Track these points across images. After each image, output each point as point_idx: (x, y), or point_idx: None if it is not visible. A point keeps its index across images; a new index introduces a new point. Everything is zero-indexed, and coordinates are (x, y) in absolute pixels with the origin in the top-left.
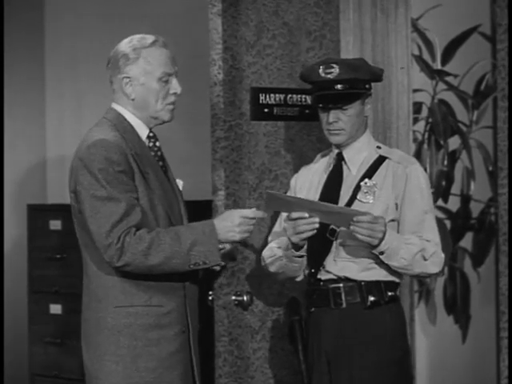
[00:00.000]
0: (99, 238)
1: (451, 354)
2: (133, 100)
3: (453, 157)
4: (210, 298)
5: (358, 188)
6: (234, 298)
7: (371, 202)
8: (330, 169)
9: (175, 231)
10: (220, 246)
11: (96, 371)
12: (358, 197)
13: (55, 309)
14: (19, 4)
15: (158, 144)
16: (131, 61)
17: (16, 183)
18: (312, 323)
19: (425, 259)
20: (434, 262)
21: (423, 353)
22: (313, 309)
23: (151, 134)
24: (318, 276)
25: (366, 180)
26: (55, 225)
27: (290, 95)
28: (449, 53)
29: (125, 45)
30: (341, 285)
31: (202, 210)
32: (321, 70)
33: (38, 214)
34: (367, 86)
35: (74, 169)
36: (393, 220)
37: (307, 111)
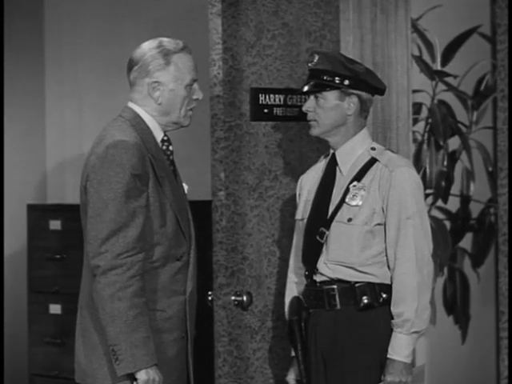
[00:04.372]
0: (94, 242)
1: (451, 354)
2: (159, 104)
3: (452, 157)
4: (210, 298)
5: (347, 191)
6: (233, 298)
7: (359, 204)
8: (324, 170)
9: (146, 327)
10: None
11: (93, 370)
12: (346, 200)
13: (55, 309)
14: (19, 4)
15: (171, 148)
16: (162, 66)
17: (16, 183)
18: (310, 324)
19: (411, 330)
20: (420, 317)
21: (423, 353)
22: (311, 310)
23: (165, 138)
24: (314, 278)
25: (355, 183)
26: (55, 225)
27: (289, 96)
28: (449, 53)
29: (154, 49)
30: (335, 286)
31: (201, 211)
32: (309, 60)
33: (38, 214)
34: (346, 83)
35: (89, 166)
36: (379, 224)
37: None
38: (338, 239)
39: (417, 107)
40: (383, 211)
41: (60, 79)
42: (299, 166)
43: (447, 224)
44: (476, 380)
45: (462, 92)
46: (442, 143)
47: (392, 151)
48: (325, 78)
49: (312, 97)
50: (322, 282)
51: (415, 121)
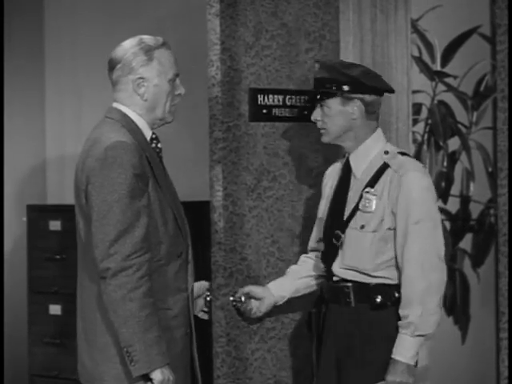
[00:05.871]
0: (101, 245)
1: (451, 354)
2: (145, 101)
3: (452, 158)
4: (208, 298)
5: (360, 197)
6: (231, 298)
7: (372, 211)
8: (340, 172)
9: (157, 326)
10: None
11: (101, 373)
12: (360, 206)
13: (55, 309)
14: (19, 3)
15: (159, 146)
16: (145, 62)
17: (16, 183)
18: (327, 318)
19: (415, 333)
20: (425, 322)
21: (423, 353)
22: (329, 304)
23: (154, 136)
24: (331, 275)
25: (368, 189)
26: (55, 225)
27: (288, 96)
28: (448, 54)
29: (135, 46)
30: (349, 284)
31: (199, 211)
32: (314, 70)
33: (38, 214)
34: (346, 88)
35: (88, 169)
36: (389, 229)
37: (306, 112)
38: (351, 245)
39: (417, 108)
40: (393, 216)
41: (60, 78)
42: (298, 166)
43: (447, 225)
44: (476, 380)
45: (461, 92)
46: (441, 144)
47: (404, 154)
48: (325, 86)
49: (318, 106)
50: (338, 281)
51: (415, 121)
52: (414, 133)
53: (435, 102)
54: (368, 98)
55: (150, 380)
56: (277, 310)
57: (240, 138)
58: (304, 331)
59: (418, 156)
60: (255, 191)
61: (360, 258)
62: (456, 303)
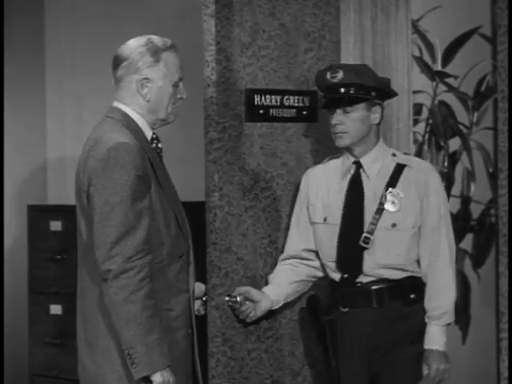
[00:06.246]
0: (103, 247)
1: (451, 354)
2: (147, 102)
3: (453, 158)
4: (204, 298)
5: (384, 198)
6: (227, 298)
7: (399, 209)
8: (349, 177)
9: (159, 328)
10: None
11: (104, 375)
12: (385, 207)
13: (55, 309)
14: (19, 4)
15: (160, 145)
16: (151, 63)
17: (16, 184)
18: (344, 322)
19: (447, 322)
20: (453, 309)
21: None
22: (346, 309)
23: (154, 136)
24: (356, 280)
25: (391, 189)
26: (55, 225)
27: (286, 96)
28: (449, 54)
29: (142, 46)
30: (383, 285)
31: (197, 212)
32: (328, 75)
33: (39, 214)
34: (373, 94)
35: (90, 170)
36: (419, 226)
37: (305, 112)
38: (384, 244)
39: (417, 108)
40: (420, 213)
41: (60, 79)
42: (297, 166)
43: None
44: (476, 380)
45: (462, 93)
46: (442, 144)
47: (409, 154)
48: (357, 91)
49: (339, 110)
50: (368, 283)
51: (416, 121)
52: (414, 133)
53: (436, 102)
54: (384, 104)
55: (151, 382)
56: (274, 310)
57: (236, 138)
58: (305, 332)
59: (418, 156)
60: (252, 191)
61: (395, 255)
62: (456, 303)
